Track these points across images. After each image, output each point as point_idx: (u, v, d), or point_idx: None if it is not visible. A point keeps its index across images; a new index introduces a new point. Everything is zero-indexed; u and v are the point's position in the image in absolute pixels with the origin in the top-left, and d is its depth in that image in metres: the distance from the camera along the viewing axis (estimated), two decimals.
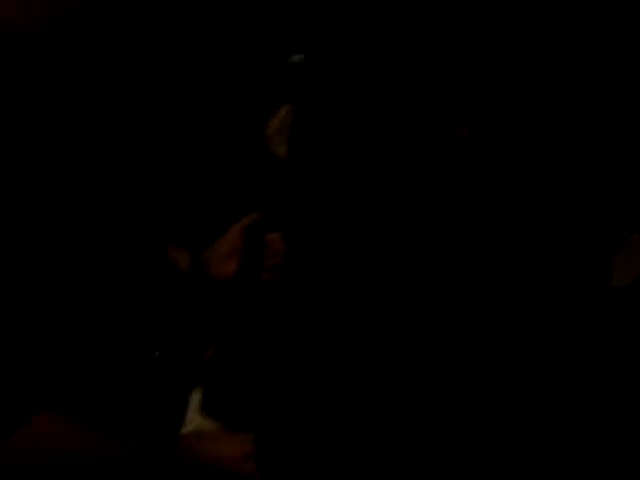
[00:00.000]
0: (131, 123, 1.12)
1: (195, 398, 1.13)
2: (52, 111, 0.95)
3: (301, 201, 1.83)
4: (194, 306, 1.17)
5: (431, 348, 1.93)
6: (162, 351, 1.07)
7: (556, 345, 1.96)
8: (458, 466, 1.88)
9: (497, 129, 2.10)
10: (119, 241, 0.99)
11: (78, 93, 0.99)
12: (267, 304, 1.35)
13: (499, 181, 2.05)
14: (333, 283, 1.96)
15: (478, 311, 1.97)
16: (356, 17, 2.04)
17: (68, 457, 0.89)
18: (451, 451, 1.90)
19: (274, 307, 1.58)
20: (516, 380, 1.94)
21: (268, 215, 1.26)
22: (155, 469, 0.98)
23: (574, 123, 2.10)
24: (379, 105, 2.15)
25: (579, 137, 2.05)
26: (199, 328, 1.17)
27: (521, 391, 1.94)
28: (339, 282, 1.96)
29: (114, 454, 0.94)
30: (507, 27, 2.14)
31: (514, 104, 2.13)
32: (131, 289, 1.01)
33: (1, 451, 0.84)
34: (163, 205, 1.28)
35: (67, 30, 0.96)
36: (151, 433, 1.00)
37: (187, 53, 1.81)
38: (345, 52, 2.05)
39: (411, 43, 2.22)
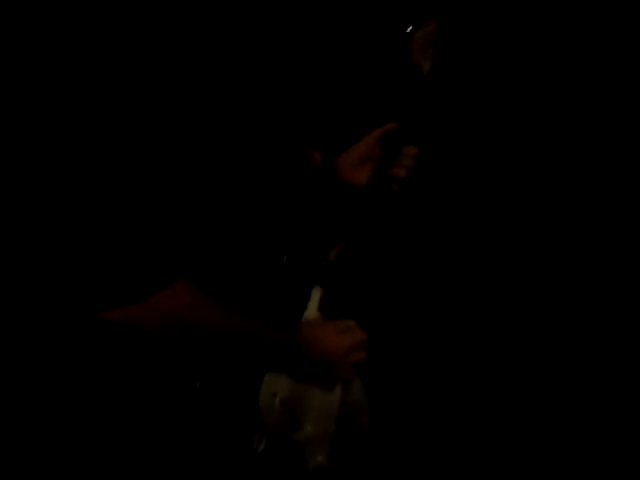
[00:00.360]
0: None
1: (315, 297, 1.15)
2: None
3: (439, 118, 1.79)
4: (322, 207, 1.18)
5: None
6: (290, 253, 1.08)
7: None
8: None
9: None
10: (258, 135, 1.00)
11: None
12: (393, 215, 1.34)
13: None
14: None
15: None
16: None
17: (200, 328, 0.93)
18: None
19: (398, 219, 1.56)
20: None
21: (405, 127, 1.23)
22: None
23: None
24: None
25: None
26: (326, 230, 1.18)
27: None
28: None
29: (244, 333, 0.97)
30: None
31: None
32: (268, 183, 1.02)
33: (139, 312, 0.88)
34: (301, 103, 1.27)
35: None
36: (275, 321, 1.02)
37: None
38: None
39: None
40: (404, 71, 1.50)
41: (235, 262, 1.01)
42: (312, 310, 1.15)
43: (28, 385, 0.88)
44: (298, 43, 1.16)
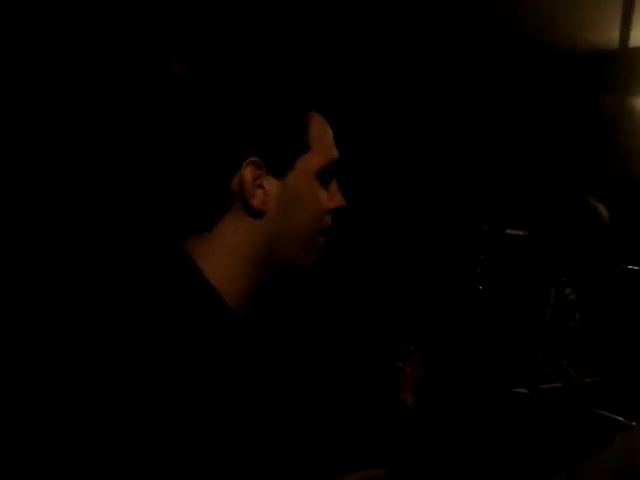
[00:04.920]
0: None
1: None
2: None
3: (427, 455, 1.86)
4: None
5: None
6: None
7: None
8: None
9: None
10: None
11: None
12: None
13: None
14: None
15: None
16: None
17: None
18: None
19: None
20: None
21: (391, 469, 1.30)
22: None
23: None
24: None
25: None
26: None
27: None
28: None
29: None
30: None
31: None
32: None
33: None
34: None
35: None
36: None
37: None
38: None
39: None
40: (392, 408, 1.64)
41: None
42: None
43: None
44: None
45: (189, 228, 1.03)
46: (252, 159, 0.99)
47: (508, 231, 3.63)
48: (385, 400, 1.74)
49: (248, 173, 0.99)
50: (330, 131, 1.09)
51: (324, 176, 1.06)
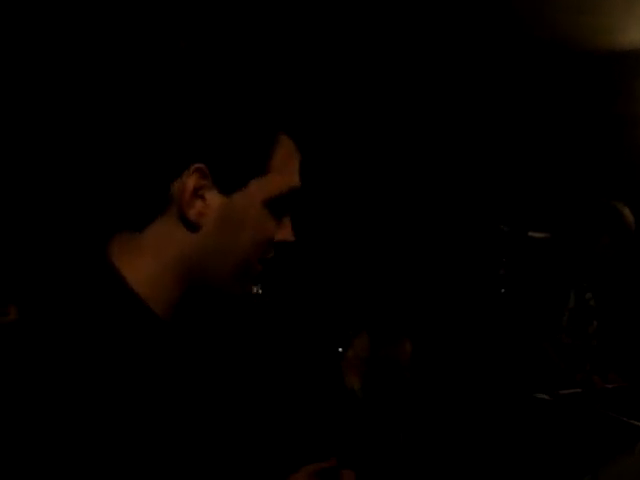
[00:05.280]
0: None
1: None
2: None
3: (376, 439, 1.86)
4: None
5: None
6: None
7: None
8: None
9: None
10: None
11: None
12: None
13: None
14: None
15: None
16: None
17: None
18: None
19: None
20: None
21: (342, 457, 1.26)
22: None
23: None
24: None
25: None
26: None
27: None
28: None
29: None
30: None
31: None
32: None
33: None
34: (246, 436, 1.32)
35: None
36: None
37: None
38: None
39: None
40: (337, 395, 1.61)
41: None
42: None
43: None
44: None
45: (119, 225, 0.96)
46: (199, 166, 0.90)
47: (530, 233, 3.61)
48: (328, 388, 1.70)
49: (191, 180, 0.90)
50: (297, 159, 0.99)
51: (278, 205, 0.96)
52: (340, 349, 1.73)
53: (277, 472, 1.26)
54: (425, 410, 2.13)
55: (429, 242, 3.44)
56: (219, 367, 1.14)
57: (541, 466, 2.10)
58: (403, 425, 1.97)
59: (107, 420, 0.79)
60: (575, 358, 2.77)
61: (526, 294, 2.90)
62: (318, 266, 2.87)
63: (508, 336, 2.80)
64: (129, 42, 2.44)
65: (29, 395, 0.78)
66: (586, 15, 3.19)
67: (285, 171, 0.96)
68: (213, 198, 0.92)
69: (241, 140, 0.92)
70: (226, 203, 0.93)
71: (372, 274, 3.01)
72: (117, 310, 0.89)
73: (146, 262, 0.93)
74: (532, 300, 2.86)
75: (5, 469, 0.76)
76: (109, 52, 2.50)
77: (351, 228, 3.28)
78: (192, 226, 0.92)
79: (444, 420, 2.21)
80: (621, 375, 2.75)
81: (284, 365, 1.92)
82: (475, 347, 2.69)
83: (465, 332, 2.77)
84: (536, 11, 3.17)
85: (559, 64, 3.64)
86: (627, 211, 2.85)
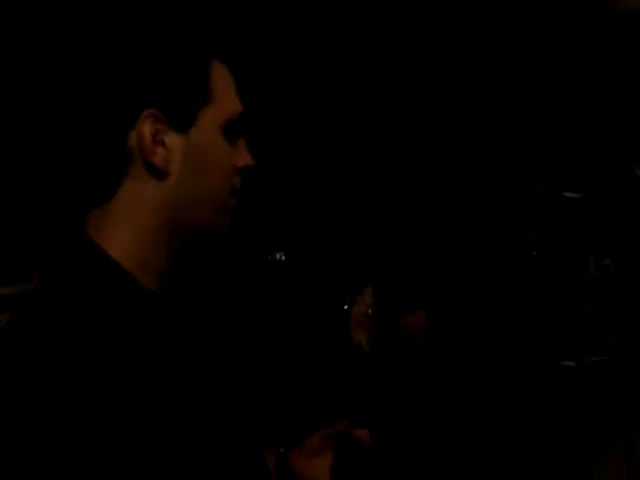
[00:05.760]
0: None
1: None
2: None
3: (385, 394, 1.85)
4: None
5: None
6: None
7: None
8: None
9: None
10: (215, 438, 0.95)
11: None
12: None
13: None
14: None
15: None
16: None
17: None
18: None
19: None
20: None
21: (354, 417, 1.23)
22: None
23: None
24: None
25: None
26: None
27: None
28: None
29: None
30: None
31: None
32: None
33: None
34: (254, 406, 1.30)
35: None
36: None
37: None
38: None
39: None
40: (346, 352, 1.60)
41: None
42: None
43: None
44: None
45: (88, 200, 0.92)
46: (150, 111, 0.88)
47: (565, 194, 3.58)
48: (336, 346, 1.71)
49: (146, 127, 0.88)
50: (233, 82, 0.97)
51: (230, 131, 0.94)
52: (345, 307, 1.74)
53: (288, 436, 1.27)
54: (441, 379, 2.18)
55: (460, 205, 3.44)
56: (219, 337, 1.12)
57: (571, 435, 2.15)
58: (415, 391, 2.02)
59: (106, 402, 0.77)
60: (600, 326, 2.78)
61: (555, 257, 2.91)
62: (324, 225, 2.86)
63: (538, 301, 2.82)
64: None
65: (27, 391, 0.77)
66: None
67: (226, 96, 0.95)
68: (172, 140, 0.90)
69: (179, 74, 0.90)
70: (186, 142, 0.91)
71: (384, 232, 3.00)
72: (106, 289, 0.87)
73: (124, 231, 0.90)
74: (558, 263, 2.87)
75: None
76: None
77: (372, 186, 3.26)
78: (160, 174, 0.90)
79: (463, 389, 2.26)
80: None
81: (290, 329, 1.96)
82: (502, 312, 2.73)
83: (493, 296, 2.80)
84: None
85: (598, 24, 3.56)
86: None
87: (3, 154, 2.35)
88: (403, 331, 2.07)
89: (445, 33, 3.50)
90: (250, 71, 1.07)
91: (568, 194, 3.58)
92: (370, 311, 1.74)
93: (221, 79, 0.95)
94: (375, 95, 3.36)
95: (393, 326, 2.01)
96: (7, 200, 2.42)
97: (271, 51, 2.78)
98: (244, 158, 0.98)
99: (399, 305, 2.13)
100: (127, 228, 0.90)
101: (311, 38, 3.08)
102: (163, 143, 0.89)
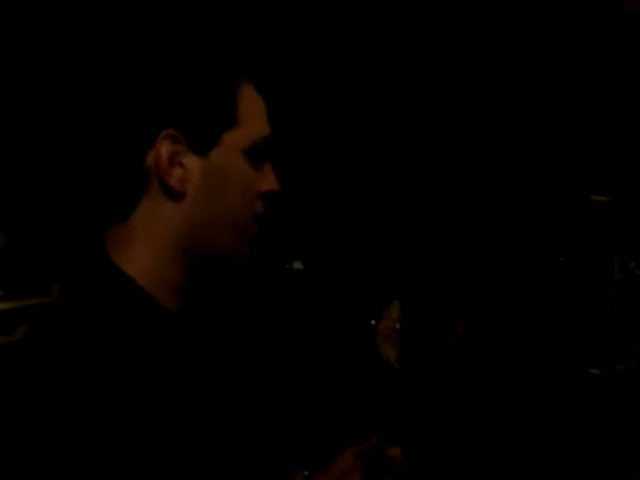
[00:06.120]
0: None
1: None
2: None
3: (417, 409, 1.80)
4: None
5: None
6: None
7: None
8: None
9: None
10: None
11: None
12: None
13: None
14: None
15: None
16: None
17: None
18: None
19: None
20: None
21: (384, 436, 1.18)
22: None
23: None
24: None
25: None
26: None
27: None
28: None
29: None
30: None
31: None
32: None
33: None
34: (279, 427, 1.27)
35: None
36: None
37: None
38: None
39: None
40: (375, 369, 1.57)
41: None
42: None
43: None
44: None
45: (106, 217, 0.92)
46: (169, 132, 0.86)
47: (593, 197, 3.57)
48: (365, 363, 1.67)
49: (164, 148, 0.86)
50: (262, 105, 0.95)
51: (255, 155, 0.92)
52: (373, 322, 1.74)
53: (314, 456, 1.26)
54: (473, 386, 2.20)
55: (487, 213, 3.46)
56: (239, 355, 1.10)
57: (596, 443, 2.16)
58: (449, 400, 2.03)
59: (122, 422, 0.77)
60: (628, 330, 2.79)
61: (580, 260, 2.92)
62: (353, 238, 2.88)
63: (565, 307, 2.84)
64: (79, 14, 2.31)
65: (43, 406, 0.77)
66: None
67: (254, 119, 0.93)
68: (191, 162, 0.88)
69: (205, 95, 0.88)
70: (205, 164, 0.89)
71: (410, 244, 3.03)
72: (123, 307, 0.86)
73: (141, 249, 0.90)
74: (583, 267, 2.88)
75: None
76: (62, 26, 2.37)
77: (401, 194, 3.28)
78: (176, 195, 0.88)
79: (492, 395, 2.28)
80: None
81: (318, 344, 1.93)
82: (531, 319, 2.75)
83: (521, 303, 2.82)
84: None
85: (623, 25, 3.54)
86: None
87: (24, 171, 2.41)
88: (448, 340, 2.07)
89: (468, 35, 3.51)
90: (274, 88, 1.05)
91: (595, 197, 3.58)
92: (398, 325, 1.73)
93: (249, 101, 0.92)
94: (399, 106, 3.39)
95: (428, 338, 2.01)
96: (24, 214, 2.50)
97: (275, 58, 2.80)
98: (269, 182, 0.96)
99: (440, 316, 2.13)
100: (144, 246, 0.90)
101: (311, 45, 3.10)
102: (181, 164, 0.88)
